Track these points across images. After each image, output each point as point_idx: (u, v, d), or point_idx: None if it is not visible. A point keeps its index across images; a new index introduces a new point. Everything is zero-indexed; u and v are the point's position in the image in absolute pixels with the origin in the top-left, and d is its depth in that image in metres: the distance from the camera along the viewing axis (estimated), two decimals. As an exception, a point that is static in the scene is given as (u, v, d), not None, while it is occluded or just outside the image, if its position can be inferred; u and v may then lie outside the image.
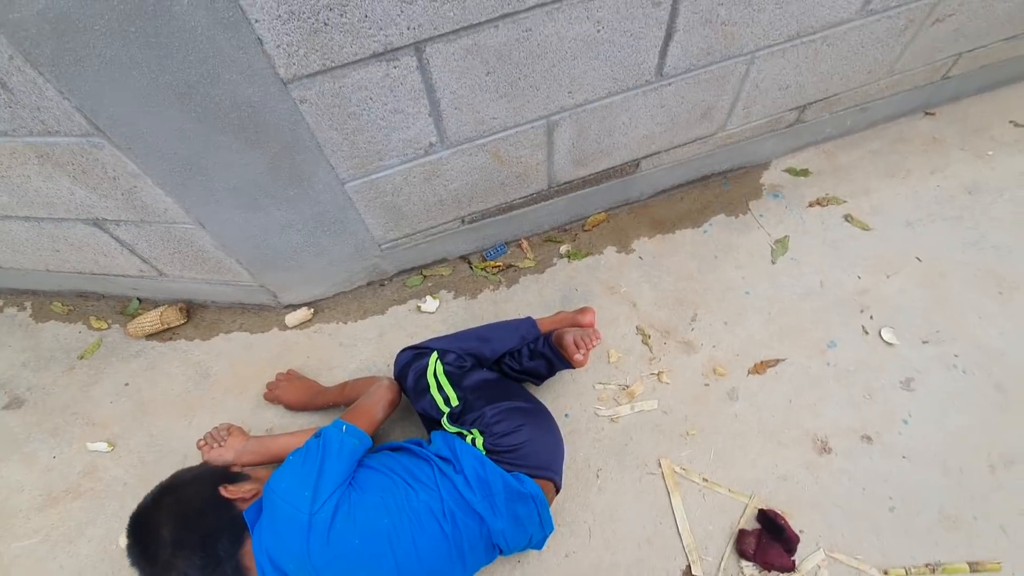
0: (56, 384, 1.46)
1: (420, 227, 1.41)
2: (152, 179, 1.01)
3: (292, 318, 1.50)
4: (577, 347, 1.12)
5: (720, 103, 1.37)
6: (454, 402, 1.09)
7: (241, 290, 1.46)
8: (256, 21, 0.81)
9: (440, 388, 1.12)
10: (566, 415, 1.34)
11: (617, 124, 1.30)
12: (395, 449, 1.12)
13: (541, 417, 1.13)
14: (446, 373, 1.14)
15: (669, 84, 1.24)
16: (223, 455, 1.15)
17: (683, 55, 1.17)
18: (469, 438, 1.06)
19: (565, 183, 1.45)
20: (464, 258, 1.61)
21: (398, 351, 1.23)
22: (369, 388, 1.21)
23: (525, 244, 1.62)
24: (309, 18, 0.83)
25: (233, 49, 0.83)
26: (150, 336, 1.51)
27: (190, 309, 1.56)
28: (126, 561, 0.90)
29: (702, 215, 1.64)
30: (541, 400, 1.22)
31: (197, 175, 1.03)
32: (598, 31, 1.04)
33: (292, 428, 1.34)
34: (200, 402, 1.42)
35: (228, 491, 0.95)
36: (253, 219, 1.17)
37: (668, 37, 1.11)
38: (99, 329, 1.55)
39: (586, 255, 1.58)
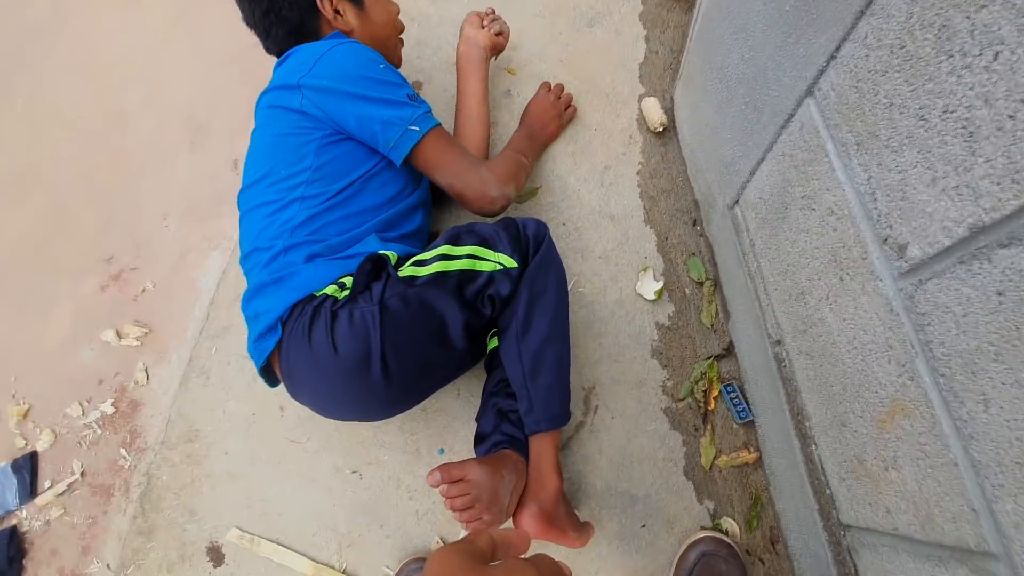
0: None
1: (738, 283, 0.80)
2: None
3: (649, 104, 1.11)
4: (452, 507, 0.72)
5: None
6: (452, 266, 0.77)
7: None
8: None
9: (490, 246, 0.80)
10: (440, 450, 0.97)
11: None
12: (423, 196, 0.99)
13: (367, 382, 0.74)
14: (494, 274, 0.79)
15: None
16: (478, 31, 1.10)
17: None
18: (405, 260, 0.80)
19: None
20: (730, 349, 0.97)
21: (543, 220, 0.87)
22: (519, 162, 0.99)
23: (747, 455, 0.91)
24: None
25: None
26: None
27: None
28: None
29: None
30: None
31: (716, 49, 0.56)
32: None
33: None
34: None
35: (323, 4, 0.95)
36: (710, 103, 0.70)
37: None
38: None
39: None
